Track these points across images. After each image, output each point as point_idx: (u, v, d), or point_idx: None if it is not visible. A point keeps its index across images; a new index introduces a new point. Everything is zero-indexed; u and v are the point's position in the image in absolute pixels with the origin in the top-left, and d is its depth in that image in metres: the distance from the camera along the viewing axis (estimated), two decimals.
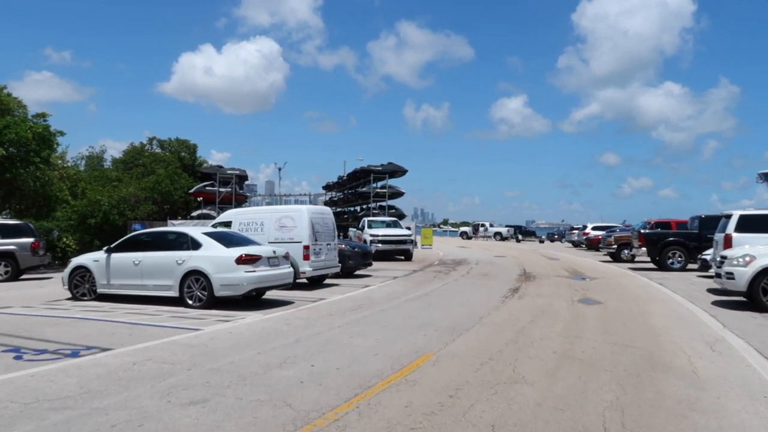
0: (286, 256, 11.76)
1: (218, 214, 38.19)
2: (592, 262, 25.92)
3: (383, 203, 43.34)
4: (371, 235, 25.13)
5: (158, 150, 45.12)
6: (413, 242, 25.36)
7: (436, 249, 37.19)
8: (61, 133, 24.95)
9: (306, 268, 13.69)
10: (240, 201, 39.52)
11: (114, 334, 8.30)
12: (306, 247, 13.69)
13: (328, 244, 14.63)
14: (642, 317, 10.22)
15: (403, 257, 25.61)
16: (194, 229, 11.83)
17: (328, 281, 15.84)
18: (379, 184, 43.05)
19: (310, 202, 59.76)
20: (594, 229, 39.68)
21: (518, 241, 56.18)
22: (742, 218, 14.13)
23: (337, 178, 51.28)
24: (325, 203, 58.42)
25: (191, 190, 38.77)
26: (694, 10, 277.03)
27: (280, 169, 58.40)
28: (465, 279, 17.31)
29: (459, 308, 11.09)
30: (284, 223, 14.04)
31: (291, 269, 11.82)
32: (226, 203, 38.04)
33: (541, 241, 57.30)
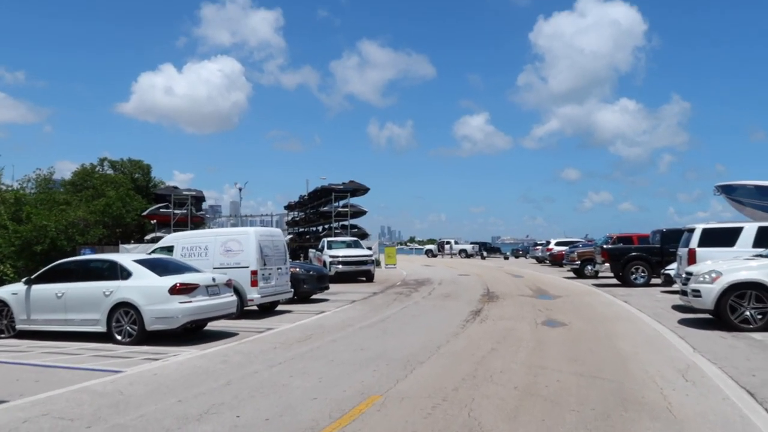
0: (228, 284, 10.80)
1: None
2: (557, 278, 25.55)
3: (346, 222, 42.51)
4: (330, 257, 24.24)
5: (110, 171, 43.42)
6: (375, 263, 24.58)
7: (400, 268, 36.47)
8: None
9: (254, 295, 12.73)
10: (197, 223, 38.12)
11: (17, 381, 7.24)
12: (254, 273, 12.75)
13: (279, 269, 13.72)
14: (609, 340, 9.63)
15: (364, 278, 24.76)
16: (124, 257, 10.80)
17: (280, 307, 14.89)
18: (341, 203, 42.26)
19: (274, 223, 58.56)
20: (557, 244, 39.59)
21: (483, 258, 55.95)
22: (704, 232, 13.81)
23: (299, 198, 50.23)
24: (287, 223, 57.26)
25: (144, 213, 37.23)
26: (645, 29, 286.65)
27: (240, 189, 56.90)
28: (426, 301, 16.57)
29: (416, 336, 10.32)
30: (230, 246, 13.08)
31: (234, 298, 10.86)
32: (182, 225, 36.57)
33: (506, 258, 57.19)
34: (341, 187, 40.19)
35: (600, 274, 23.78)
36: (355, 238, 27.73)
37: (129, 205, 37.36)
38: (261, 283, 12.93)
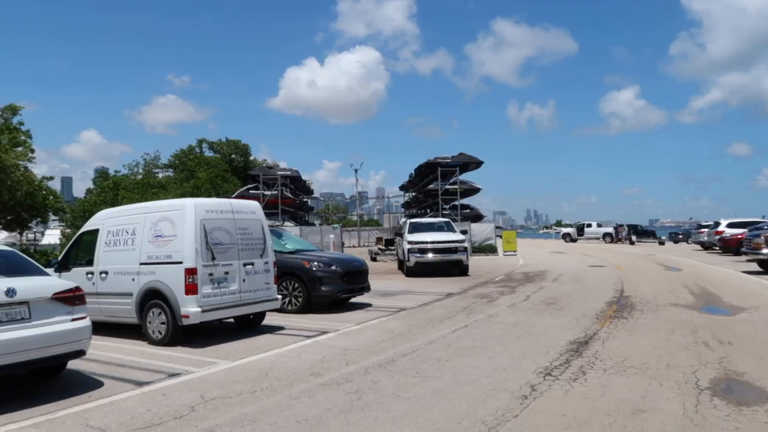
0: (60, 297, 5.78)
1: None
2: (732, 273, 17.83)
3: (464, 201, 36.59)
4: (409, 243, 18.77)
5: (210, 153, 41.51)
6: (467, 251, 18.70)
7: (520, 255, 30.05)
8: (27, 135, 21.45)
9: (190, 308, 7.74)
10: (289, 205, 34.52)
11: None
12: (189, 272, 7.77)
13: (248, 265, 8.61)
14: None
15: (457, 271, 18.96)
16: None
17: (273, 320, 9.88)
18: (454, 179, 36.39)
19: (391, 206, 54.35)
20: (730, 226, 30.52)
21: (632, 243, 46.78)
22: None
23: (409, 176, 45.03)
24: (402, 205, 52.53)
25: (233, 195, 34.38)
26: None
27: (356, 171, 53.47)
28: (509, 313, 10.57)
29: (434, 406, 4.71)
30: (161, 229, 8.21)
31: (57, 327, 5.75)
32: (272, 208, 33.23)
33: (661, 243, 47.42)
34: (449, 160, 34.28)
35: None
36: (447, 220, 21.83)
37: (220, 188, 34.78)
38: (205, 289, 7.92)
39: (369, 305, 11.97)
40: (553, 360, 6.68)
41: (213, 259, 8.07)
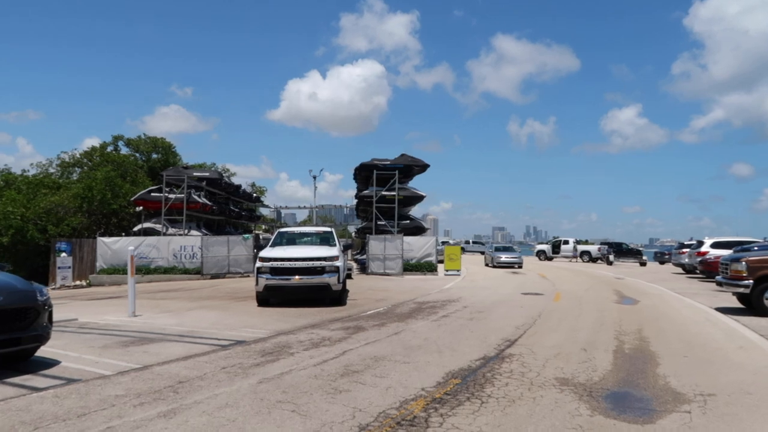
0: None
1: (164, 228, 28.46)
2: (700, 313, 12.78)
3: (407, 212, 31.49)
4: (260, 260, 13.67)
5: (129, 151, 36.38)
6: (338, 271, 13.55)
7: (463, 276, 25.06)
8: None
9: None
10: (197, 210, 29.30)
11: None
12: None
13: None
14: None
15: (328, 299, 13.80)
16: None
17: None
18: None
19: (345, 214, 49.40)
20: (716, 246, 25.71)
21: (609, 263, 41.67)
22: None
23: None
24: (357, 217, 47.42)
25: (133, 198, 29.20)
26: None
27: (315, 178, 48.99)
28: (219, 406, 5.48)
29: None
30: None
31: None
32: (176, 213, 28.16)
33: (642, 264, 42.28)
34: (388, 163, 29.25)
35: None
36: (329, 230, 16.59)
37: (119, 189, 29.68)
38: None
39: (40, 369, 6.90)
40: None
41: None
